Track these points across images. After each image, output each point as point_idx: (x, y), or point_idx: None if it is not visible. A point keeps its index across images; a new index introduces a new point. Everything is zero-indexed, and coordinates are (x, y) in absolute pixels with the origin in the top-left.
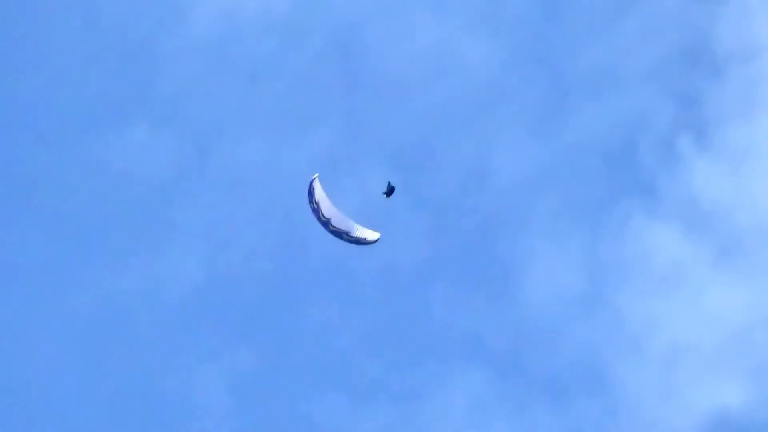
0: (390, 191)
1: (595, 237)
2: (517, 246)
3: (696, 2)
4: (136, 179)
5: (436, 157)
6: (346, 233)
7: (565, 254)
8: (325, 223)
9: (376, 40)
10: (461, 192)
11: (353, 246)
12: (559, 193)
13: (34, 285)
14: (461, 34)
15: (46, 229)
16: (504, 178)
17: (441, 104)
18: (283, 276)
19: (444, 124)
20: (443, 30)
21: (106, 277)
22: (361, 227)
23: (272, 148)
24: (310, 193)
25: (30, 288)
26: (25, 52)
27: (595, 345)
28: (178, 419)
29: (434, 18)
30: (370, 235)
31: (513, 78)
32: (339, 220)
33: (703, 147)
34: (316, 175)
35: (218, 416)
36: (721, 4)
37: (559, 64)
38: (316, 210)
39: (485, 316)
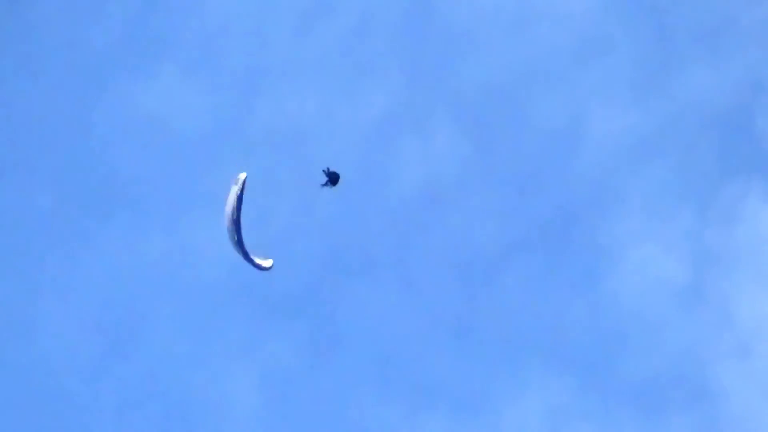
0: (331, 179)
1: (702, 219)
2: (608, 228)
3: None
4: (165, 127)
5: (518, 118)
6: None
7: (666, 239)
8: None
9: None
10: (546, 161)
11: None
12: (662, 165)
13: (50, 248)
14: None
15: (69, 181)
16: (597, 145)
17: (529, 56)
18: (333, 254)
19: (531, 79)
20: None
21: (131, 241)
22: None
23: (323, 102)
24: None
25: (46, 252)
26: None
27: (697, 348)
28: (203, 414)
29: None
30: (264, 262)
31: (614, 28)
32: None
33: None
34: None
35: (246, 418)
36: None
37: (668, 13)
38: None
39: (568, 310)
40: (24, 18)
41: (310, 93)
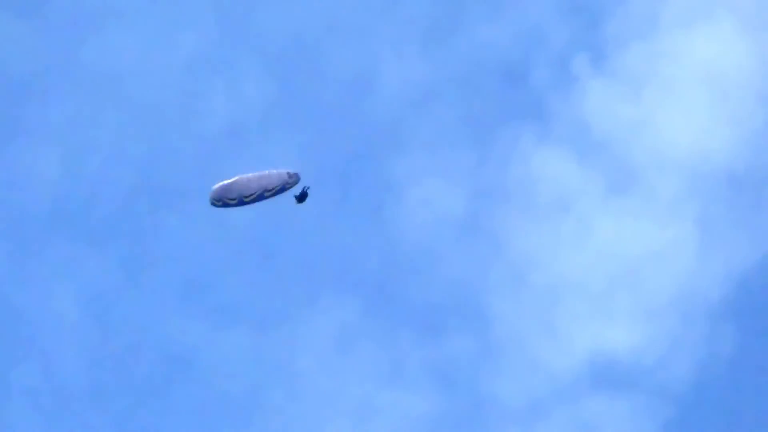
0: (302, 196)
1: (480, 158)
2: (395, 166)
3: None
4: None
5: (318, 64)
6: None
7: (446, 177)
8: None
9: None
10: (341, 103)
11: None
12: (445, 111)
13: None
14: None
15: None
16: (388, 90)
17: (325, 6)
18: (145, 185)
19: (328, 28)
20: None
21: None
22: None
23: (142, 46)
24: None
25: None
26: None
27: (472, 276)
28: (24, 330)
29: None
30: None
31: None
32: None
33: (600, 69)
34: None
35: (66, 330)
36: None
37: None
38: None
39: (358, 239)
40: None
41: (128, 35)
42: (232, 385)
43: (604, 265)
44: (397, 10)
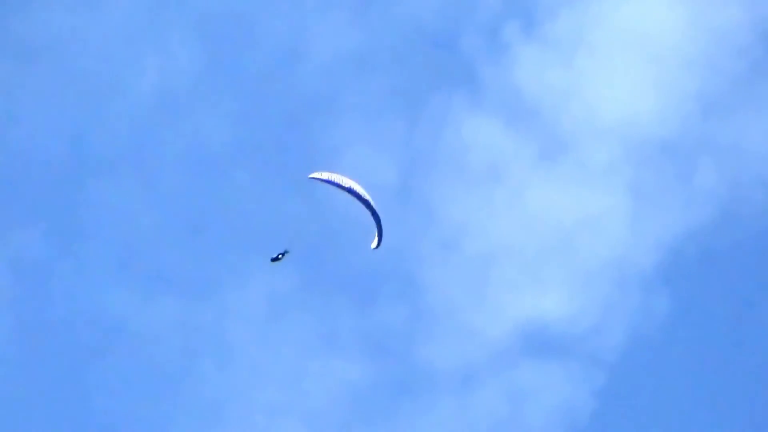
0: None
1: (411, 126)
2: (327, 133)
3: None
4: None
5: (248, 32)
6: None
7: (378, 144)
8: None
9: None
10: (272, 72)
11: None
12: (376, 77)
13: None
14: None
15: None
16: (319, 59)
17: None
18: (76, 154)
19: None
20: None
21: None
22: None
23: (72, 15)
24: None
25: None
26: None
27: (405, 244)
28: None
29: None
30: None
31: None
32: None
33: (530, 36)
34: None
35: None
36: None
37: None
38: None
39: (288, 206)
40: None
41: (58, 3)
42: (164, 353)
43: (536, 233)
44: None
